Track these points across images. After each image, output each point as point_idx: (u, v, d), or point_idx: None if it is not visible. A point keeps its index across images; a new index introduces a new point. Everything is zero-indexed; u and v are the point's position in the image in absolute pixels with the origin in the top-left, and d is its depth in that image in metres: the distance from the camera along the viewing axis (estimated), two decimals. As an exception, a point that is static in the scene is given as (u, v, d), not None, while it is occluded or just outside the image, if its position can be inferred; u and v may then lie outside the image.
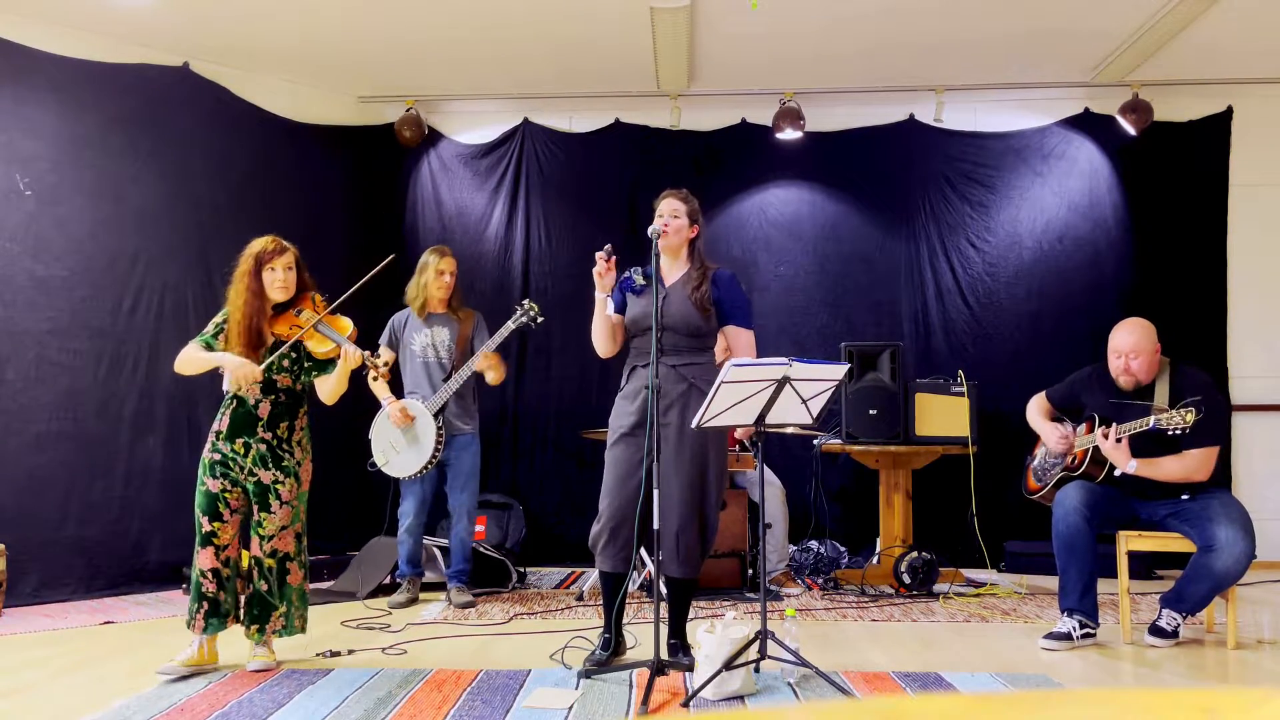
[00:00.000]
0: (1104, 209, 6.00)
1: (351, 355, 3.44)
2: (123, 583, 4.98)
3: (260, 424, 3.47)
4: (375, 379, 3.43)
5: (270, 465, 3.47)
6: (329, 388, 3.56)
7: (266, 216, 5.33)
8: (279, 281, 3.47)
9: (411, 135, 6.08)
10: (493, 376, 4.62)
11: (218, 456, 3.47)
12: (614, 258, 3.42)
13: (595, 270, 3.42)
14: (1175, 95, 5.94)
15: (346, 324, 3.52)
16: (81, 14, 4.94)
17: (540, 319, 4.63)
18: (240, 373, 3.39)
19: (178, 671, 3.34)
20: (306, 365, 3.56)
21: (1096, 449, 3.92)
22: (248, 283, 3.46)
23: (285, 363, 3.51)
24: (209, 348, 3.48)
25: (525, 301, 4.70)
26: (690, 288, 3.45)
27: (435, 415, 4.67)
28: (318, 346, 3.48)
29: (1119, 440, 3.77)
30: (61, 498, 4.87)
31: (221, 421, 3.50)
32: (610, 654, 3.46)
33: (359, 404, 5.89)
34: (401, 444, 4.68)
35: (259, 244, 3.50)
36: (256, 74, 5.75)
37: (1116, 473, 3.85)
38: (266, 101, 5.78)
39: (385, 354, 3.89)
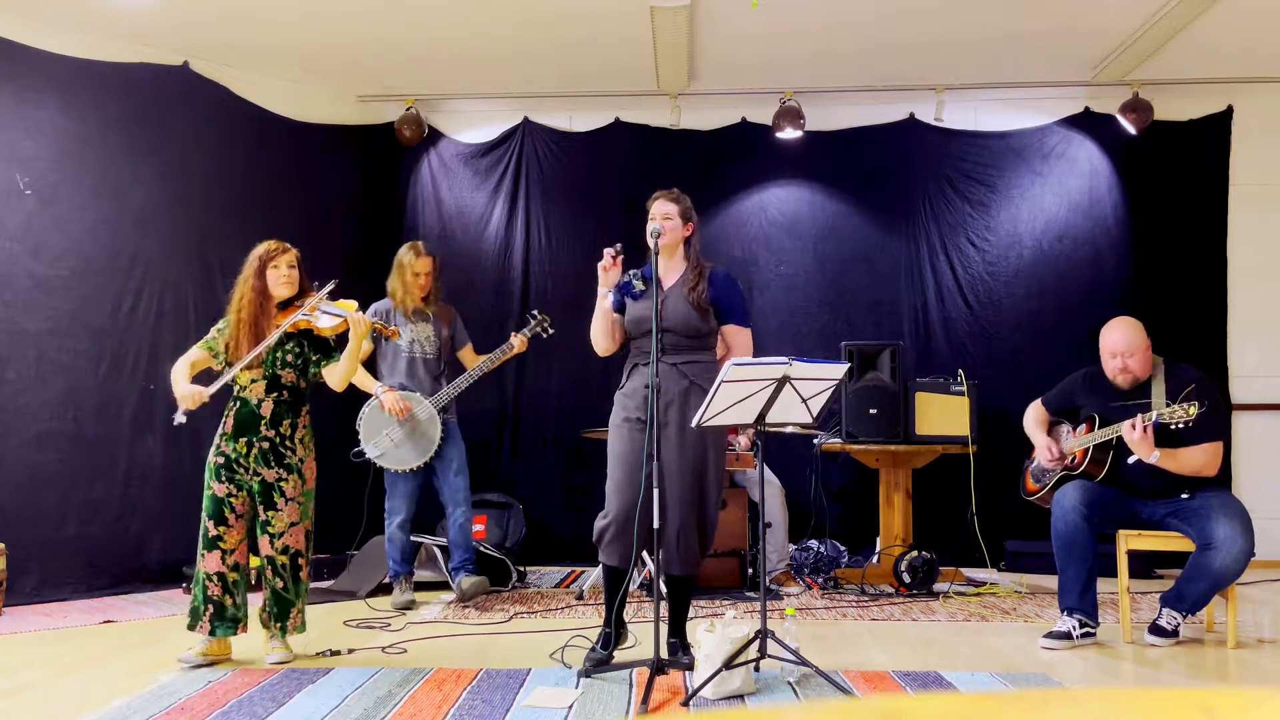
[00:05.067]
0: (1104, 208, 6.00)
1: (360, 321, 3.49)
2: (123, 582, 4.98)
3: (263, 422, 3.51)
4: (387, 339, 3.57)
5: (273, 463, 3.50)
6: (340, 371, 3.56)
7: (267, 216, 5.33)
8: (283, 278, 3.57)
9: (411, 134, 6.08)
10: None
11: (222, 459, 3.52)
12: (621, 257, 3.47)
13: (601, 265, 3.44)
14: (1175, 95, 5.94)
15: (350, 303, 3.58)
16: (82, 14, 4.94)
17: (551, 331, 4.94)
18: (183, 396, 3.45)
19: (196, 660, 3.45)
20: (314, 358, 3.60)
21: (1095, 448, 3.92)
22: (252, 282, 3.56)
23: (289, 357, 3.55)
24: (211, 350, 3.58)
25: (536, 313, 4.94)
26: (688, 289, 3.45)
27: (439, 411, 4.70)
28: (323, 324, 3.54)
29: (1144, 429, 3.69)
30: (61, 497, 4.87)
31: (226, 422, 3.55)
32: (611, 649, 3.45)
33: (360, 402, 5.90)
34: (399, 435, 4.65)
35: (263, 245, 3.62)
36: (256, 74, 5.75)
37: (1131, 460, 3.80)
38: (267, 101, 5.78)
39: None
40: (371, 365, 4.81)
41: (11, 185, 4.82)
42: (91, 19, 5.01)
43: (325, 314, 3.54)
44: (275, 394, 3.53)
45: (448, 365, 4.88)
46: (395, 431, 4.65)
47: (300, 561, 3.54)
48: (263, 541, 3.52)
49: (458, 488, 4.75)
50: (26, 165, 4.88)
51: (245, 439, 3.50)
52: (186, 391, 3.44)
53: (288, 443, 3.53)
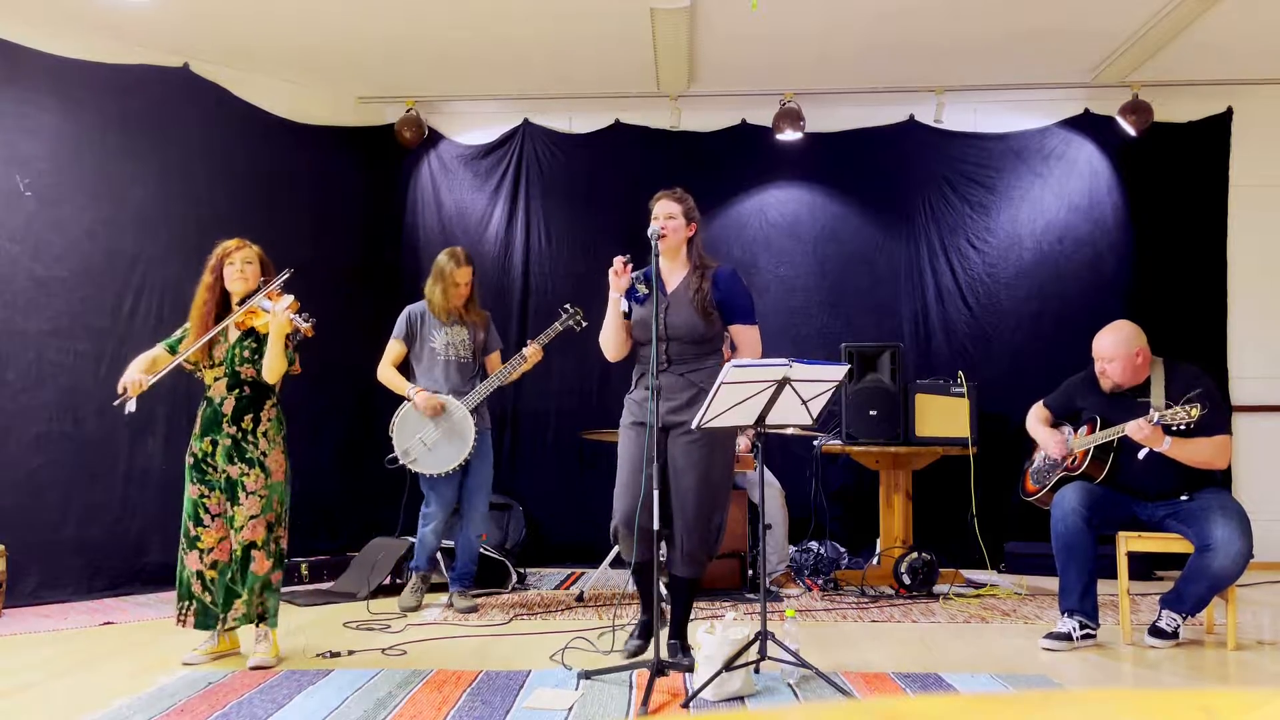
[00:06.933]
0: (1104, 209, 6.00)
1: (278, 314, 3.49)
2: (123, 583, 4.98)
3: (225, 419, 3.57)
4: (300, 337, 3.54)
5: (236, 459, 3.55)
6: (266, 362, 3.57)
7: (266, 217, 5.33)
8: (237, 273, 3.63)
9: (411, 136, 6.08)
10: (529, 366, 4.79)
11: (192, 460, 3.60)
12: (630, 264, 3.45)
13: (612, 270, 3.42)
14: (1175, 95, 5.94)
15: (286, 298, 3.60)
16: (81, 14, 4.93)
17: (585, 323, 4.74)
18: (126, 381, 3.49)
19: (200, 660, 3.50)
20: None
21: (1097, 448, 3.92)
22: (206, 279, 3.65)
23: (246, 353, 3.60)
24: (171, 349, 3.65)
25: (569, 306, 4.77)
26: (692, 292, 3.43)
27: (472, 411, 4.62)
28: (256, 320, 3.59)
29: (1154, 422, 3.68)
30: (61, 498, 4.87)
31: (197, 422, 3.62)
32: (647, 639, 3.49)
33: (361, 403, 5.90)
34: (433, 439, 4.58)
35: (224, 244, 3.70)
36: (256, 74, 5.75)
37: (1141, 454, 3.78)
38: (266, 102, 5.78)
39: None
40: (406, 368, 4.78)
41: (11, 186, 4.82)
42: (91, 20, 5.00)
43: (265, 310, 3.57)
44: (236, 390, 3.59)
45: (481, 369, 4.82)
46: (429, 434, 4.58)
47: (253, 554, 3.52)
48: (230, 535, 3.58)
49: (481, 500, 4.71)
50: (26, 166, 4.87)
51: (210, 437, 3.57)
52: (130, 378, 3.49)
53: (250, 438, 3.57)
